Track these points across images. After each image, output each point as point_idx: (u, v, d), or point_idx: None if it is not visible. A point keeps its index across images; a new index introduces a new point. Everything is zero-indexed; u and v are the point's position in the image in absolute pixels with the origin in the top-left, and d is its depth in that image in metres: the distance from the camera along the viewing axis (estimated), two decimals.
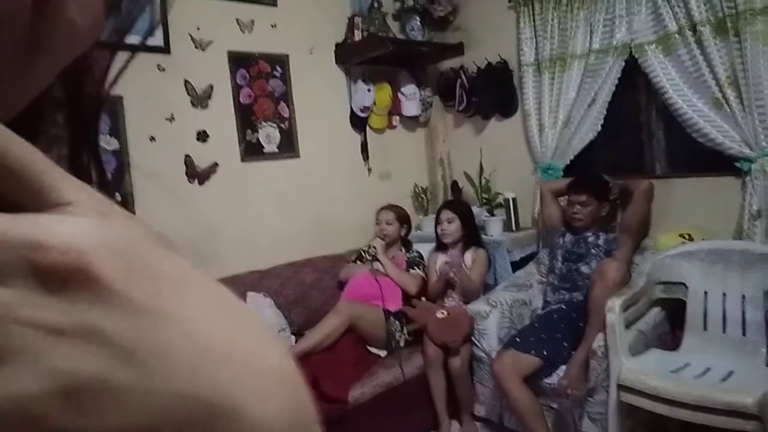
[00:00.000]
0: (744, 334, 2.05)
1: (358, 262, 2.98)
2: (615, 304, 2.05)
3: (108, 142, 2.43)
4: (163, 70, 2.59)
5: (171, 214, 2.61)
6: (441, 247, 2.86)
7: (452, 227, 2.78)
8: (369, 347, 2.60)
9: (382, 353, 2.61)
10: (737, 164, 2.38)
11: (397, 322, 2.67)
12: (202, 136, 2.71)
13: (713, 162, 2.49)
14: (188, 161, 2.66)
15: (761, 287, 2.06)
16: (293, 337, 2.57)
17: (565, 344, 2.32)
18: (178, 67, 2.63)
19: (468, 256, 2.79)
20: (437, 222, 2.84)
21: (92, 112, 0.28)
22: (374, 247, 2.85)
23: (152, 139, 2.56)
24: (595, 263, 2.51)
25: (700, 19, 2.40)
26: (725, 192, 2.47)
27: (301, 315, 2.76)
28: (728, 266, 2.17)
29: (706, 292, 2.20)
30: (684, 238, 2.48)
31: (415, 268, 2.89)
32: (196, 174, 2.69)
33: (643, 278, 2.24)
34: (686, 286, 2.26)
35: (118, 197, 2.44)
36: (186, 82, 2.67)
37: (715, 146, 2.43)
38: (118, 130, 2.45)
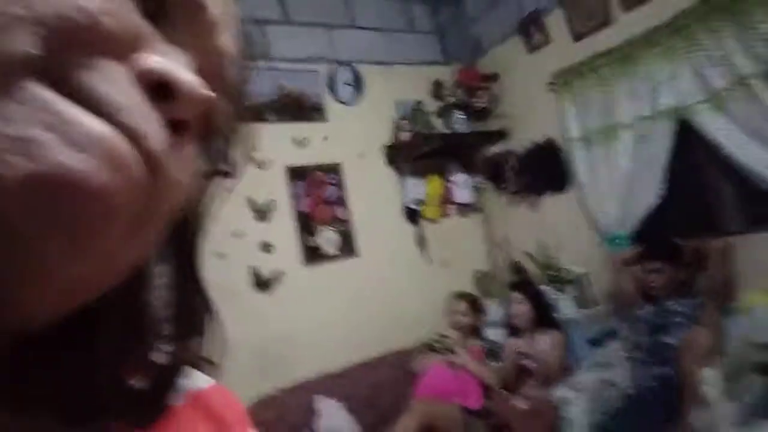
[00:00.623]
0: None
1: (431, 353, 2.90)
2: (711, 375, 1.86)
3: None
4: (227, 191, 2.79)
5: (240, 324, 2.69)
6: (513, 332, 2.76)
7: (523, 308, 2.69)
8: None
9: None
10: None
11: (477, 421, 2.53)
12: (267, 247, 2.85)
13: None
14: (255, 272, 2.79)
15: None
16: None
17: (663, 426, 2.11)
18: (241, 185, 2.82)
19: (543, 339, 2.67)
20: (506, 305, 2.76)
21: (196, 254, 0.30)
22: (449, 339, 2.77)
23: (220, 256, 2.71)
24: (681, 333, 2.32)
25: (747, 72, 2.36)
26: None
27: (374, 417, 2.67)
28: None
29: None
30: None
31: (494, 359, 2.77)
32: (263, 283, 2.80)
33: (737, 342, 2.04)
34: None
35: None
36: (249, 199, 2.86)
37: None
38: None
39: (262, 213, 2.88)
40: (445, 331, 2.86)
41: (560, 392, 2.43)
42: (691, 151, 2.77)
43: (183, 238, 0.29)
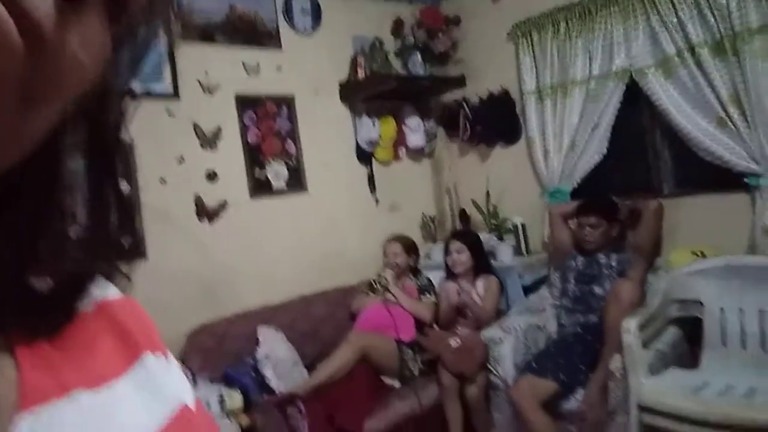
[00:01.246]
0: (764, 350, 2.01)
1: (370, 293, 2.98)
2: (631, 324, 2.02)
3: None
4: (173, 115, 2.67)
5: (182, 253, 2.65)
6: (451, 276, 2.85)
7: (462, 257, 2.77)
8: (383, 377, 2.57)
9: (396, 383, 2.58)
10: (746, 180, 2.38)
11: (410, 352, 2.65)
12: (212, 176, 2.77)
13: (722, 179, 2.49)
14: (198, 201, 2.71)
15: None
16: (305, 370, 2.55)
17: (582, 367, 2.28)
18: (187, 111, 2.71)
19: (479, 284, 2.78)
20: (446, 252, 2.84)
21: (112, 149, 0.28)
22: (385, 278, 2.85)
23: (162, 181, 2.62)
24: (608, 284, 2.48)
25: (698, 41, 2.44)
26: (735, 208, 2.46)
27: (313, 348, 2.74)
28: (743, 281, 2.14)
29: (722, 309, 2.16)
30: (696, 255, 2.45)
31: (427, 294, 2.88)
32: (206, 213, 2.74)
33: (658, 297, 2.21)
34: (702, 304, 2.22)
35: (130, 238, 2.49)
36: (195, 125, 2.74)
37: (722, 164, 2.44)
38: (129, 174, 2.51)
39: (208, 140, 2.77)
40: (383, 271, 2.92)
41: (491, 333, 2.57)
42: (637, 113, 2.88)
43: (96, 127, 0.27)
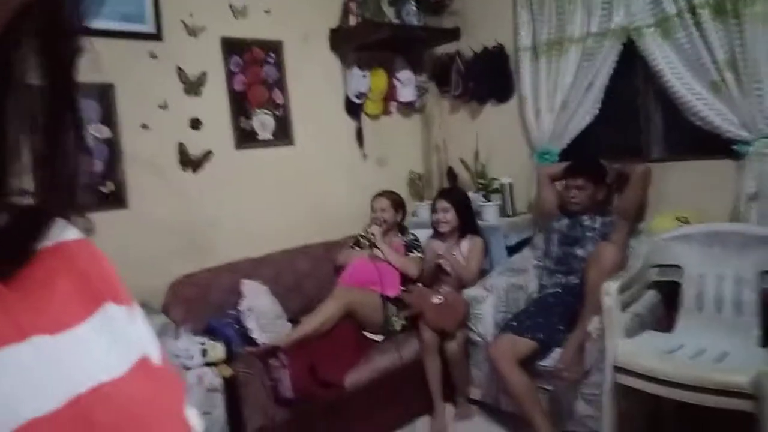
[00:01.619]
0: (738, 315, 2.05)
1: (356, 247, 2.97)
2: (611, 287, 2.04)
3: (99, 131, 2.41)
4: (155, 57, 2.57)
5: (164, 202, 2.60)
6: (437, 235, 2.85)
7: (448, 216, 2.76)
8: (365, 332, 2.60)
9: (379, 338, 2.61)
10: (735, 147, 2.37)
11: (393, 308, 2.68)
12: (195, 124, 2.69)
13: (710, 145, 2.48)
14: (182, 149, 2.65)
15: (756, 268, 2.06)
16: (289, 324, 2.57)
17: (561, 327, 2.33)
18: (170, 54, 2.61)
19: (464, 244, 2.78)
20: (433, 211, 2.83)
21: (69, 82, 0.27)
22: (372, 234, 2.83)
23: (145, 127, 2.54)
24: (591, 247, 2.50)
25: (700, 1, 2.38)
26: (721, 175, 2.46)
27: (296, 302, 2.76)
28: (724, 248, 2.16)
29: (701, 275, 2.19)
30: (680, 221, 2.47)
31: (414, 251, 2.88)
32: (190, 162, 2.68)
33: (639, 261, 2.23)
34: (682, 269, 2.25)
35: (111, 186, 2.44)
36: (179, 69, 2.64)
37: (712, 129, 2.42)
38: (109, 119, 2.44)
39: (192, 86, 2.68)
40: (369, 227, 2.91)
41: (473, 291, 2.60)
42: (631, 74, 2.83)
43: (50, 57, 0.26)
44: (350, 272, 2.79)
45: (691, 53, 2.46)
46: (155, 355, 0.32)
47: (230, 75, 2.81)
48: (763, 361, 1.69)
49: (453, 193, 2.90)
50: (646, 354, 1.92)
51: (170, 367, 0.33)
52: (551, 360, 2.25)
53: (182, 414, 0.32)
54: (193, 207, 2.70)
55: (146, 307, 2.25)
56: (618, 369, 1.95)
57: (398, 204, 2.97)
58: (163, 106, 2.59)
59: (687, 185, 2.59)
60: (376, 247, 2.80)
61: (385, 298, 2.65)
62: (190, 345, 1.95)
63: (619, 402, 1.99)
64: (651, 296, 2.29)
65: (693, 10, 2.41)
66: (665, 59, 2.55)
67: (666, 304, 2.33)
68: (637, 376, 1.88)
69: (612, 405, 1.99)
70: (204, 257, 2.67)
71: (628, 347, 1.97)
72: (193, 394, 1.84)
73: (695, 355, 1.94)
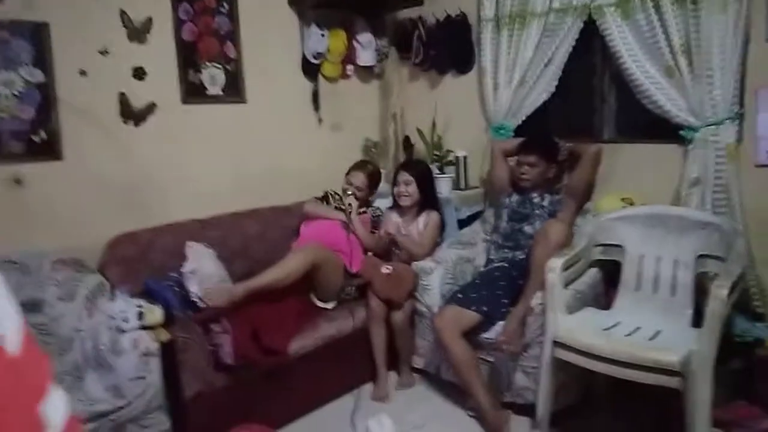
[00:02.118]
0: (673, 296, 2.14)
1: (326, 203, 2.91)
2: (556, 264, 2.08)
3: (31, 74, 2.22)
4: None
5: (103, 156, 2.45)
6: (396, 206, 2.82)
7: (410, 189, 2.72)
8: (315, 299, 2.57)
9: (329, 305, 2.59)
10: (681, 132, 2.43)
11: (351, 281, 2.66)
12: (139, 73, 2.52)
13: (658, 130, 2.53)
14: (123, 99, 2.48)
15: (694, 252, 2.14)
16: None
17: (505, 301, 2.36)
18: None
19: (421, 219, 2.76)
20: (394, 183, 2.78)
21: None
22: (350, 205, 2.77)
23: (83, 73, 2.36)
24: (539, 224, 2.54)
25: None
26: (667, 159, 2.52)
27: (243, 266, 2.68)
28: (665, 231, 2.24)
29: (641, 255, 2.26)
30: (625, 202, 2.53)
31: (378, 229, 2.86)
32: (132, 114, 2.52)
33: (583, 240, 2.28)
34: (624, 249, 2.32)
35: (44, 135, 2.26)
36: (122, 12, 2.45)
37: (663, 113, 2.47)
38: (43, 61, 2.25)
39: (136, 32, 2.50)
40: (345, 196, 2.84)
41: (423, 263, 2.60)
42: (589, 54, 2.84)
43: None
44: (321, 230, 2.71)
45: (648, 36, 2.49)
46: (12, 335, 0.27)
47: (179, 23, 2.63)
48: (694, 341, 1.76)
49: (416, 166, 2.83)
50: (585, 330, 1.98)
51: (30, 347, 0.28)
52: (494, 332, 2.28)
53: (34, 410, 0.27)
54: (134, 162, 2.55)
55: (81, 265, 2.13)
56: (557, 344, 2.00)
57: (375, 181, 2.92)
58: (104, 52, 2.41)
59: (634, 167, 2.66)
60: (351, 222, 2.74)
61: (347, 272, 2.62)
62: (126, 307, 1.86)
63: (555, 375, 2.06)
64: (593, 274, 2.35)
65: None
66: (623, 40, 2.56)
67: (606, 282, 2.41)
68: (574, 351, 1.93)
69: (549, 378, 2.05)
70: (145, 216, 2.54)
71: (568, 323, 2.02)
72: (127, 358, 1.77)
73: (631, 332, 2.01)
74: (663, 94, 2.46)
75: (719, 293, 1.68)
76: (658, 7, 2.42)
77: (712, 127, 2.33)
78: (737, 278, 1.82)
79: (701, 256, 2.13)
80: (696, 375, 1.65)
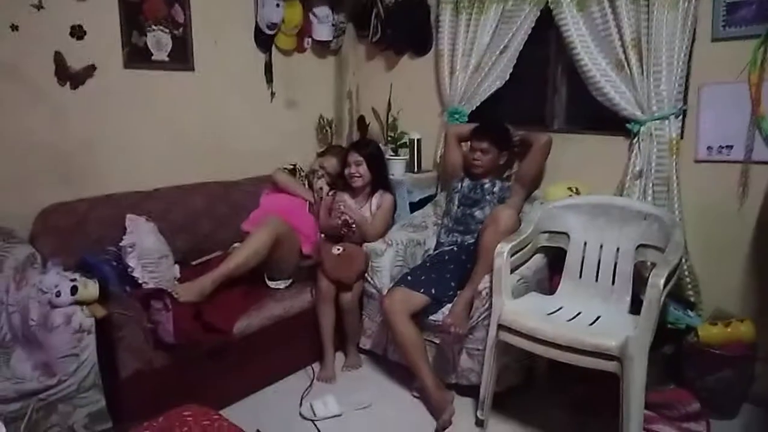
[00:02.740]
0: (613, 284, 2.22)
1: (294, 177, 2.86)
2: (504, 249, 2.11)
3: None
4: None
5: (36, 120, 2.28)
6: (348, 187, 2.78)
7: (361, 170, 2.69)
8: (266, 279, 2.51)
9: (281, 285, 2.54)
10: (628, 126, 2.50)
11: (303, 262, 2.62)
12: (78, 32, 2.35)
13: (607, 122, 2.59)
14: (59, 59, 2.31)
15: (635, 241, 2.22)
16: (177, 266, 2.40)
17: (452, 284, 2.39)
18: None
19: (374, 201, 2.74)
20: (346, 164, 2.74)
21: None
22: (320, 189, 2.70)
23: (14, 28, 2.17)
24: (489, 209, 2.57)
25: None
26: (613, 151, 2.60)
27: (187, 242, 2.59)
28: (608, 220, 2.31)
29: (585, 243, 2.33)
30: (571, 191, 2.60)
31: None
32: (69, 76, 2.35)
33: (531, 226, 2.33)
34: (569, 236, 2.38)
35: None
36: None
37: (611, 106, 2.53)
38: None
39: None
40: (315, 180, 2.78)
41: (373, 244, 2.58)
42: (543, 44, 2.87)
43: None
44: (284, 204, 2.66)
45: (601, 29, 2.53)
46: None
47: None
48: (631, 327, 1.84)
49: (366, 146, 2.79)
50: (529, 314, 2.02)
51: None
52: (441, 315, 2.31)
53: None
54: (71, 128, 2.39)
55: (9, 235, 1.99)
56: (502, 327, 2.04)
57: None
58: (38, 6, 2.22)
59: (582, 158, 2.72)
60: (314, 201, 2.68)
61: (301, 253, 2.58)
62: (59, 280, 1.74)
63: (499, 358, 2.10)
64: (538, 260, 2.40)
65: None
66: (577, 31, 2.60)
67: (550, 268, 2.47)
68: (519, 334, 1.97)
69: (493, 360, 2.09)
70: (81, 186, 2.40)
71: (513, 307, 2.06)
72: (59, 334, 1.67)
73: (572, 317, 2.07)
74: (612, 87, 2.52)
75: (656, 282, 1.75)
76: (612, 1, 2.47)
77: (657, 121, 2.41)
78: (674, 268, 1.89)
79: (641, 245, 2.21)
80: (632, 360, 1.72)
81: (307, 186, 2.88)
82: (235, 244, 2.52)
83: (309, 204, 2.70)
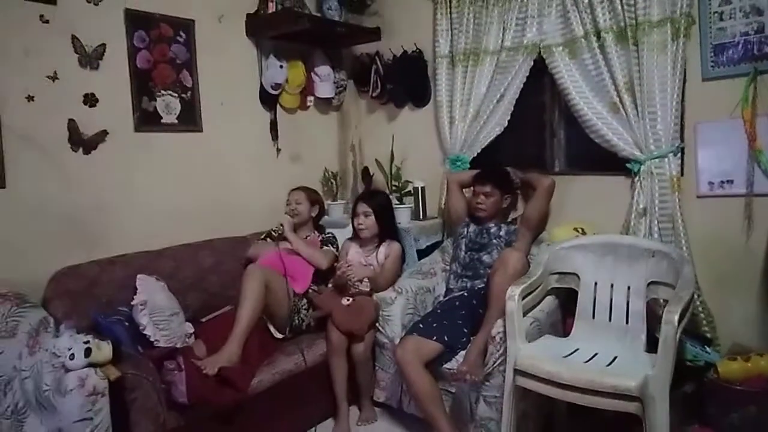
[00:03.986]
0: (627, 322, 2.20)
1: (268, 239, 2.86)
2: (515, 292, 2.10)
3: None
4: (47, 21, 2.30)
5: (50, 184, 2.34)
6: (356, 237, 2.81)
7: (368, 221, 2.72)
8: (270, 326, 2.49)
9: (282, 335, 2.52)
10: (628, 165, 2.55)
11: (300, 303, 2.59)
12: (90, 100, 2.44)
13: (607, 162, 2.65)
14: (72, 126, 2.39)
15: (644, 279, 2.22)
16: (189, 324, 2.40)
17: (465, 330, 2.37)
18: (65, 20, 2.35)
19: (382, 250, 2.76)
20: (354, 214, 2.77)
21: None
22: (281, 225, 2.73)
23: (30, 99, 2.26)
24: (496, 253, 2.58)
25: (605, 26, 2.54)
26: (616, 190, 2.64)
27: (197, 299, 2.59)
28: (617, 259, 2.31)
29: (596, 283, 2.33)
30: (577, 231, 2.61)
31: (329, 245, 2.82)
32: (81, 141, 2.43)
33: (540, 268, 2.33)
34: (578, 277, 2.38)
35: None
36: (74, 37, 2.39)
37: (610, 147, 2.59)
38: None
39: (88, 57, 2.43)
40: (275, 228, 2.82)
41: (383, 293, 2.58)
42: (539, 90, 2.97)
43: None
44: (267, 259, 2.66)
45: (594, 74, 2.62)
46: None
47: (134, 50, 2.59)
48: (649, 366, 1.81)
49: (375, 197, 2.81)
50: (545, 358, 2.00)
51: None
52: (455, 362, 2.28)
53: None
54: (83, 192, 2.45)
55: (22, 300, 2.00)
56: (518, 372, 2.01)
57: (314, 199, 2.90)
58: (53, 78, 2.32)
59: (585, 198, 2.76)
60: (284, 238, 2.70)
61: (293, 293, 2.56)
62: (72, 343, 1.74)
63: (517, 404, 2.06)
64: (549, 302, 2.39)
65: (598, 34, 2.57)
66: (571, 78, 2.69)
67: (562, 309, 2.46)
68: (536, 379, 1.94)
69: (511, 407, 2.05)
70: (93, 248, 2.43)
71: (529, 351, 2.04)
72: (73, 398, 1.65)
73: (589, 359, 2.04)
74: (609, 129, 2.58)
75: (671, 318, 1.74)
76: (603, 48, 2.56)
77: (656, 160, 2.45)
78: (687, 303, 1.89)
79: (652, 283, 2.21)
80: (653, 399, 1.69)
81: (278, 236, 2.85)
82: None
83: (276, 251, 2.69)
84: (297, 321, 2.56)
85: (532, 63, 2.84)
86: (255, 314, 2.27)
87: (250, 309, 2.26)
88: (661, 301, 2.23)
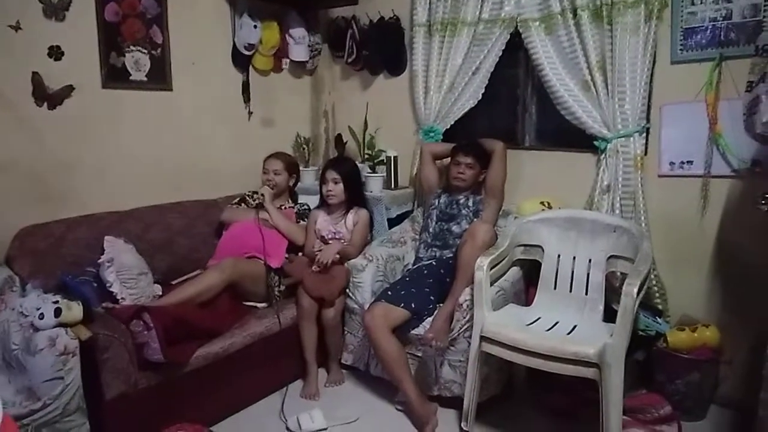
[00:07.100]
0: (586, 294, 2.31)
1: (242, 204, 2.84)
2: (484, 262, 2.17)
3: None
4: None
5: (12, 140, 2.25)
6: (324, 204, 2.81)
7: (337, 189, 2.73)
8: (246, 302, 2.51)
9: (261, 306, 2.55)
10: (595, 143, 2.62)
11: (277, 277, 2.61)
12: (56, 53, 2.34)
13: (575, 139, 2.72)
14: (36, 80, 2.30)
15: (605, 253, 2.32)
16: (158, 285, 2.39)
17: (432, 298, 2.44)
18: None
19: (350, 217, 2.77)
20: (322, 181, 2.77)
21: None
22: (262, 195, 2.71)
23: None
24: (465, 223, 2.64)
25: (582, 3, 2.56)
26: (582, 167, 2.72)
27: (165, 261, 2.57)
28: (580, 233, 2.41)
29: (559, 255, 2.42)
30: (544, 205, 2.70)
31: (303, 220, 2.82)
32: (46, 96, 2.33)
33: (507, 240, 2.40)
34: (542, 249, 2.47)
35: None
36: None
37: (579, 124, 2.65)
38: None
39: (54, 8, 2.32)
40: (258, 188, 2.79)
41: (354, 260, 2.62)
42: (515, 65, 2.99)
43: None
44: (235, 234, 2.66)
45: (569, 51, 2.66)
46: None
47: (102, 2, 2.47)
48: (606, 335, 1.92)
49: (343, 165, 2.82)
50: (510, 325, 2.09)
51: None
52: (422, 328, 2.35)
53: None
54: (48, 148, 2.37)
55: None
56: (484, 338, 2.10)
57: (292, 167, 2.88)
58: (15, 27, 2.21)
59: (553, 173, 2.84)
60: (264, 209, 2.69)
61: (269, 268, 2.58)
62: (41, 303, 1.72)
63: (480, 368, 2.16)
64: (514, 272, 2.48)
65: (575, 11, 2.60)
66: (546, 54, 2.73)
67: (525, 280, 2.55)
68: (501, 345, 2.04)
69: (476, 371, 2.14)
70: (58, 207, 2.37)
71: (494, 318, 2.13)
72: (43, 357, 1.64)
73: (550, 327, 2.15)
74: (580, 106, 2.64)
75: (630, 290, 1.84)
76: (578, 25, 2.60)
77: (622, 138, 2.54)
78: (644, 277, 1.99)
79: (611, 256, 2.32)
80: (610, 366, 1.80)
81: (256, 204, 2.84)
82: (197, 271, 2.53)
83: (255, 221, 2.69)
84: (273, 296, 2.58)
85: (508, 37, 2.86)
86: (190, 300, 2.21)
87: (189, 295, 2.21)
88: (618, 273, 2.35)
